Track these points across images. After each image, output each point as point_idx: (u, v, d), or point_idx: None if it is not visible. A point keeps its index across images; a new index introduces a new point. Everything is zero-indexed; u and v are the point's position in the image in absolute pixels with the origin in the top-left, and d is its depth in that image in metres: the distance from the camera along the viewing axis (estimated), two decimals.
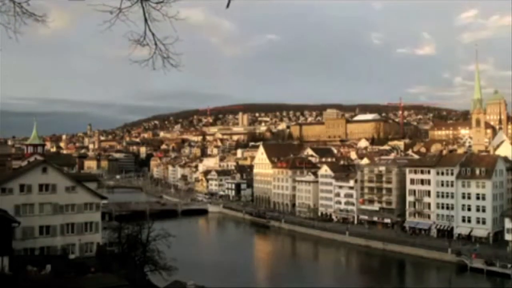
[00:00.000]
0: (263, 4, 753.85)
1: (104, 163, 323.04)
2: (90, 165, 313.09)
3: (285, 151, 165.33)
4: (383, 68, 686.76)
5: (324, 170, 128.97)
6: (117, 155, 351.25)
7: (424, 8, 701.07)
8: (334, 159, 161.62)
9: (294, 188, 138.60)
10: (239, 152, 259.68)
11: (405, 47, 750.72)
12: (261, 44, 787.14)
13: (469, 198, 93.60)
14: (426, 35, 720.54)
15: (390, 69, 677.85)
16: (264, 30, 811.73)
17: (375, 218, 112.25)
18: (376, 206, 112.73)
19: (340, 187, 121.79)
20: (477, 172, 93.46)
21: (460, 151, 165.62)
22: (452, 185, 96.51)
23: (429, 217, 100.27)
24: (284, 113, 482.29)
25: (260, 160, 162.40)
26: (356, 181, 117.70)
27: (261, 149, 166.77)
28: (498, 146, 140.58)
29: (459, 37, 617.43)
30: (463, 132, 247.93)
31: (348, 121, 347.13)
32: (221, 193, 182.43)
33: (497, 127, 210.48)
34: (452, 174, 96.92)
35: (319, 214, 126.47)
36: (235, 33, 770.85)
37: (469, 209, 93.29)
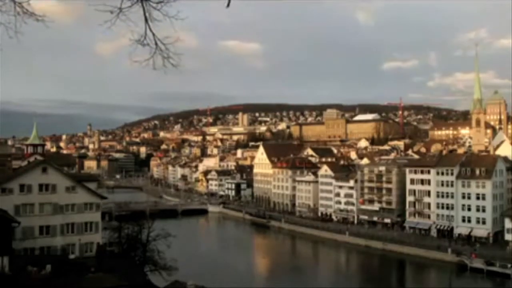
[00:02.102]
0: (262, 5, 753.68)
1: (104, 163, 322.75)
2: (90, 165, 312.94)
3: (285, 151, 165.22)
4: (385, 76, 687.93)
5: (324, 170, 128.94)
6: (117, 155, 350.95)
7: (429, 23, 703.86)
8: (334, 159, 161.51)
9: (294, 188, 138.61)
10: (239, 152, 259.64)
11: (411, 60, 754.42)
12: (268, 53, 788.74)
13: (469, 198, 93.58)
14: (430, 48, 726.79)
15: (393, 78, 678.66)
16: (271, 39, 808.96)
17: (375, 218, 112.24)
18: (376, 206, 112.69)
19: (340, 187, 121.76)
20: (477, 172, 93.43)
21: (460, 151, 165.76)
22: (452, 185, 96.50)
23: (429, 217, 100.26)
24: (284, 113, 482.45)
25: (260, 160, 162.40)
26: (356, 181, 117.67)
27: (261, 149, 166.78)
28: (498, 146, 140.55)
29: (461, 52, 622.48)
30: (463, 132, 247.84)
31: (348, 121, 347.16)
32: (221, 193, 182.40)
33: (497, 127, 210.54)
34: (452, 174, 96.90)
35: (319, 214, 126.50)
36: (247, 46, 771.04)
37: (469, 209, 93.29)
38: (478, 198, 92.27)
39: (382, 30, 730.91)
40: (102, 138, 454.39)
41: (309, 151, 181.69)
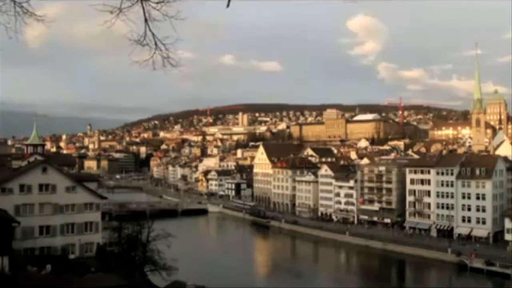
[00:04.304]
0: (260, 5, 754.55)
1: (104, 163, 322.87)
2: (90, 165, 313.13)
3: (285, 151, 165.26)
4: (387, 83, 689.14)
5: (324, 170, 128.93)
6: (117, 155, 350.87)
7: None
8: (334, 159, 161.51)
9: (294, 188, 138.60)
10: (239, 152, 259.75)
11: (412, 69, 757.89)
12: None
13: (469, 198, 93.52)
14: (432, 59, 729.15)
15: (394, 83, 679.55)
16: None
17: (375, 218, 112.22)
18: (376, 206, 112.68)
19: (340, 187, 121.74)
20: (477, 172, 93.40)
21: (460, 151, 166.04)
22: (452, 185, 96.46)
23: (429, 217, 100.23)
24: (284, 113, 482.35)
25: (260, 160, 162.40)
26: (356, 181, 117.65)
27: (261, 149, 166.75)
28: (498, 146, 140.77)
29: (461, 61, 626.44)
30: (463, 132, 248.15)
31: (348, 121, 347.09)
32: (221, 193, 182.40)
33: (497, 127, 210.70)
34: (452, 174, 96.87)
35: (319, 214, 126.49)
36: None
37: (469, 209, 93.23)
38: (478, 198, 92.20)
39: (387, 42, 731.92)
40: (102, 138, 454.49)
41: (309, 151, 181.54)
